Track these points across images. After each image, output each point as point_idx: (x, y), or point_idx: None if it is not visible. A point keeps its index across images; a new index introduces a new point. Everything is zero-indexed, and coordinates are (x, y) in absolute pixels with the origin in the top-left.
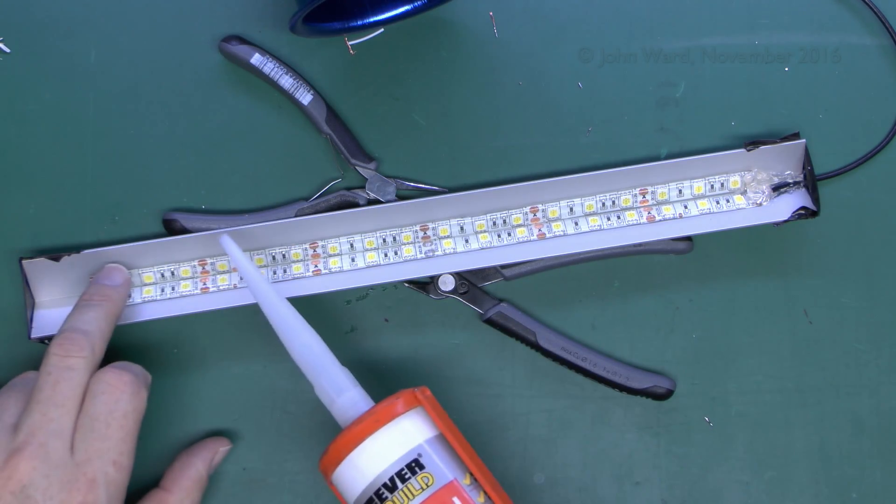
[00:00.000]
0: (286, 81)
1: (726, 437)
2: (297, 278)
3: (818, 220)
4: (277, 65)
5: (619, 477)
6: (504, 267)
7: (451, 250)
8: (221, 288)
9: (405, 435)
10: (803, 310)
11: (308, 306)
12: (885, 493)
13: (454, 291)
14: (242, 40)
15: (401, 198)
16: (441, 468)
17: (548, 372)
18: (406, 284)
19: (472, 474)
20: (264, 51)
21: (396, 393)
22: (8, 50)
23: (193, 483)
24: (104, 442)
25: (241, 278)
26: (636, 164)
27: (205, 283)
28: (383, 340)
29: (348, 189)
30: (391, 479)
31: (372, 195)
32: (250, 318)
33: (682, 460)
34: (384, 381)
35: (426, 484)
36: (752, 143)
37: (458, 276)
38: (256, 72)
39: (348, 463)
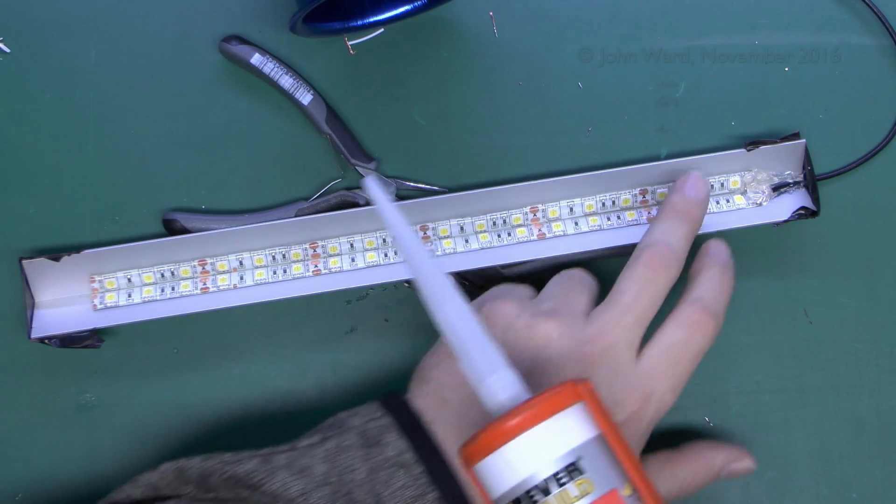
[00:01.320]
0: (286, 81)
1: (726, 437)
2: (297, 278)
3: (818, 220)
4: (277, 65)
5: None
6: (504, 267)
7: (451, 250)
8: (221, 288)
9: (565, 434)
10: (803, 310)
11: (308, 306)
12: (885, 493)
13: None
14: (242, 40)
15: (401, 198)
16: (602, 475)
17: None
18: (406, 284)
19: (632, 484)
20: (264, 51)
21: (558, 385)
22: (8, 50)
23: (703, 467)
24: (671, 368)
25: (390, 235)
26: (636, 164)
27: (205, 283)
28: (383, 340)
29: (348, 189)
30: (546, 482)
31: None
32: (250, 318)
33: None
34: (384, 382)
35: (584, 491)
36: (752, 143)
37: (458, 276)
38: (256, 72)
39: (498, 456)
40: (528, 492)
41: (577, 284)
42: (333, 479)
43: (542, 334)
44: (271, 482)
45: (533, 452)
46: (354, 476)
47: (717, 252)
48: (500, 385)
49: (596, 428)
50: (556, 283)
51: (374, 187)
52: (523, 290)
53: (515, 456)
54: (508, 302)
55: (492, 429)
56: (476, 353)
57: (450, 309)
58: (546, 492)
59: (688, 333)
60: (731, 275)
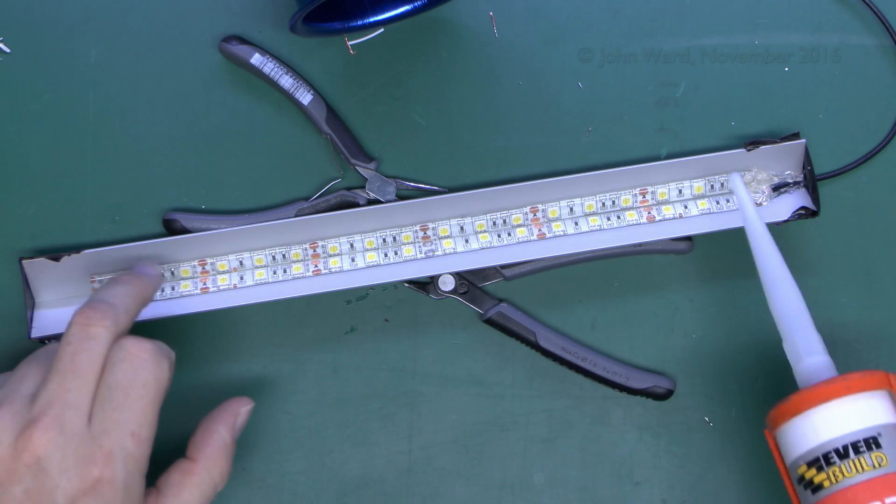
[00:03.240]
0: (286, 81)
1: (726, 437)
2: (297, 278)
3: (818, 220)
4: (277, 65)
5: (619, 477)
6: (504, 267)
7: (451, 250)
8: (221, 288)
9: (870, 410)
10: None
11: (308, 306)
12: None
13: (454, 291)
14: (242, 40)
15: (401, 198)
16: None
17: (548, 372)
18: (406, 284)
19: None
20: (264, 51)
21: (870, 370)
22: (8, 50)
23: (219, 450)
24: (122, 413)
25: (742, 217)
26: (636, 164)
27: (205, 283)
28: (383, 340)
29: (348, 189)
30: (844, 448)
31: (372, 195)
32: (250, 318)
33: (682, 460)
34: (384, 382)
35: (879, 463)
36: (752, 143)
37: (458, 276)
38: (256, 72)
39: (805, 418)
40: (825, 454)
41: (34, 363)
42: None
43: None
44: None
45: (839, 418)
46: None
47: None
48: (816, 365)
49: None
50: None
51: (739, 185)
52: None
53: (822, 419)
54: None
55: (804, 393)
56: (799, 337)
57: (784, 297)
58: (844, 456)
59: (122, 370)
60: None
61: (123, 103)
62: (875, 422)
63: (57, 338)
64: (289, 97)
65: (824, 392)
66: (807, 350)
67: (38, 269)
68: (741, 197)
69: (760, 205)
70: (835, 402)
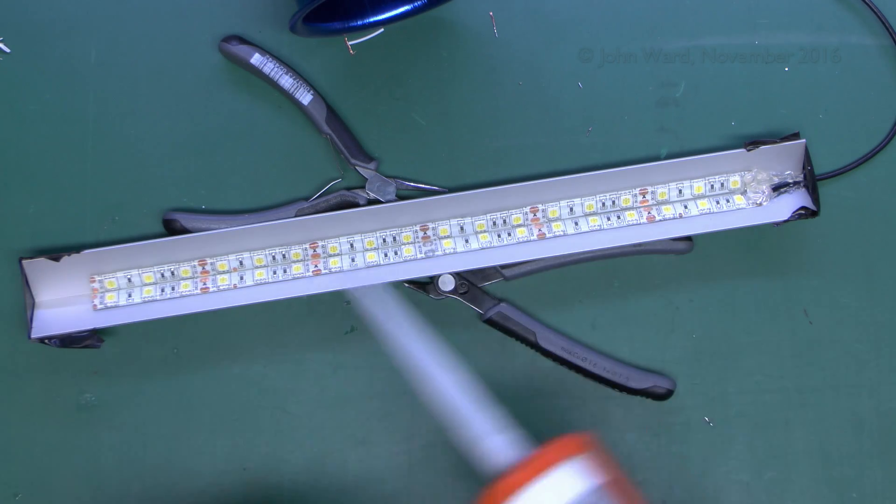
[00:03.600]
0: (286, 81)
1: (726, 437)
2: (297, 278)
3: (818, 220)
4: (277, 65)
5: None
6: (504, 267)
7: (451, 250)
8: (221, 288)
9: (571, 482)
10: (803, 310)
11: (308, 306)
12: (885, 493)
13: (454, 291)
14: (242, 40)
15: (401, 198)
16: None
17: (548, 372)
18: (406, 284)
19: None
20: (264, 51)
21: (555, 439)
22: (8, 50)
23: None
24: None
25: (388, 326)
26: (636, 164)
27: (205, 283)
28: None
29: (348, 189)
30: None
31: (372, 195)
32: (250, 318)
33: (682, 460)
34: (384, 382)
35: None
36: (752, 143)
37: (458, 276)
38: (256, 72)
39: None
40: None
41: None
42: None
43: None
44: None
45: (542, 502)
46: None
47: None
48: (494, 448)
49: (599, 477)
50: None
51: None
52: None
53: None
54: None
55: (494, 489)
56: (474, 419)
57: (444, 380)
58: None
59: None
60: None
61: (123, 103)
62: (573, 493)
63: (57, 337)
64: (289, 97)
65: (511, 484)
66: (485, 431)
67: (38, 269)
68: (386, 308)
69: (760, 205)
70: (526, 491)
